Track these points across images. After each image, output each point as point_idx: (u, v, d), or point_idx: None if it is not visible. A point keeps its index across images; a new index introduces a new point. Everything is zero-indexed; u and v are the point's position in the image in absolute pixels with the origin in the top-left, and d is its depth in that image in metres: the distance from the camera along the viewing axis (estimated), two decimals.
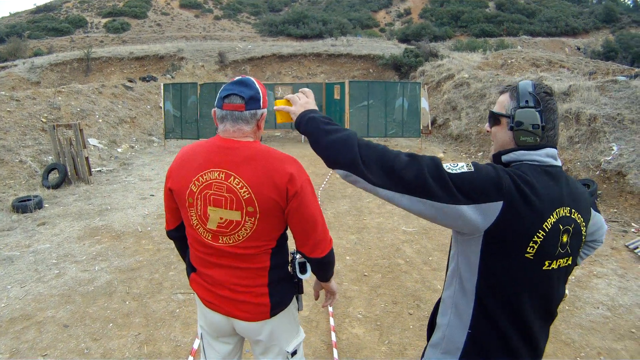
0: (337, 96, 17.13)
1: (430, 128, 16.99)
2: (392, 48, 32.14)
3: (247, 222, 2.21)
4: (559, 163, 1.88)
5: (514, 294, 1.79)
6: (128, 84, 20.74)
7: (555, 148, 1.89)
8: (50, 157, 11.97)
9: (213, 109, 2.35)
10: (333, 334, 4.55)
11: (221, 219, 2.23)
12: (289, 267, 2.44)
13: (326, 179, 11.42)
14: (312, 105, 2.15)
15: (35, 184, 10.74)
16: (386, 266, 6.29)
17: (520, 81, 1.96)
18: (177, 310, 5.05)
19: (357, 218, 8.40)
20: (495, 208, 1.67)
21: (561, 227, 1.77)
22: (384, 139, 16.82)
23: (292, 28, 50.04)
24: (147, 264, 6.30)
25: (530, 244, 1.72)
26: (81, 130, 11.34)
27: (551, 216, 1.75)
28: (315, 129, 1.96)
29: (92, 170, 12.11)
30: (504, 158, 1.91)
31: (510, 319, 1.80)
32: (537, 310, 1.84)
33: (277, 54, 31.51)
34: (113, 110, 17.70)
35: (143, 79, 22.51)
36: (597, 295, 5.56)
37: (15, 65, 33.51)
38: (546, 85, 1.90)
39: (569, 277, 1.99)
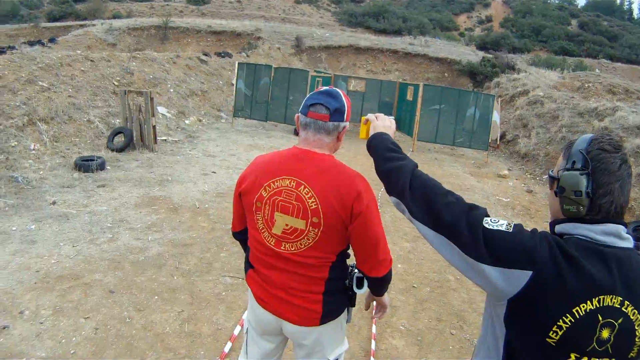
0: (409, 97, 16.90)
1: (498, 142, 16.56)
2: (470, 54, 31.53)
3: (311, 232, 2.22)
4: (624, 244, 1.57)
5: None
6: (203, 57, 20.95)
7: (621, 223, 1.58)
8: (118, 121, 12.16)
9: (296, 114, 2.39)
10: (373, 342, 4.42)
11: (287, 225, 2.25)
12: (347, 281, 2.43)
13: None
14: (390, 130, 2.24)
15: (100, 145, 10.92)
16: (436, 280, 6.08)
17: (581, 136, 1.68)
18: (224, 293, 5.00)
19: (413, 226, 8.17)
20: (522, 277, 1.52)
21: (600, 319, 1.50)
22: (451, 147, 16.57)
23: (371, 21, 49.81)
24: (200, 242, 6.28)
25: (554, 328, 1.51)
26: (152, 99, 11.45)
27: (587, 302, 1.49)
28: (378, 154, 2.05)
29: (159, 139, 12.25)
30: (557, 229, 1.69)
31: None
32: None
33: (354, 46, 31.36)
34: (185, 82, 17.91)
35: (218, 54, 22.70)
36: None
37: (94, 25, 34.46)
38: (610, 139, 1.61)
39: None
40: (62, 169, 9.05)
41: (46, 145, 10.15)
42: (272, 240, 2.31)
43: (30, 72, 12.05)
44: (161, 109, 15.08)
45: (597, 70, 35.03)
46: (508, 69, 25.07)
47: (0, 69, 11.58)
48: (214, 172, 10.04)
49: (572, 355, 1.52)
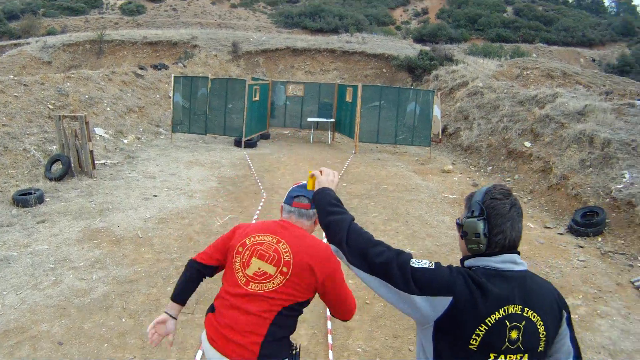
0: (348, 99, 17.06)
1: (440, 136, 16.91)
2: (407, 48, 31.97)
3: (278, 277, 2.65)
4: (519, 267, 2.04)
5: None
6: (139, 71, 20.67)
7: (514, 252, 2.05)
8: (55, 147, 11.92)
9: (281, 205, 2.99)
10: None
11: (259, 269, 2.69)
12: (291, 349, 2.76)
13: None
14: (333, 184, 2.51)
15: (38, 175, 10.70)
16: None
17: (477, 190, 2.18)
18: None
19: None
20: (444, 302, 1.93)
21: (508, 323, 1.94)
22: (393, 145, 16.85)
23: (307, 21, 49.99)
24: (145, 276, 6.27)
25: (473, 337, 1.92)
26: (87, 123, 11.28)
27: (496, 312, 1.93)
28: (320, 207, 2.35)
29: (97, 162, 12.07)
30: (466, 263, 2.12)
31: None
32: None
33: (291, 47, 31.35)
34: (121, 99, 17.65)
35: (154, 67, 22.40)
36: (600, 338, 5.50)
37: (28, 44, 33.58)
38: (501, 188, 2.10)
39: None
40: (0, 205, 8.85)
41: None
42: (243, 280, 2.69)
43: None
44: (98, 130, 14.85)
45: (534, 55, 36.05)
46: (446, 61, 25.51)
47: None
48: (155, 196, 9.98)
49: (492, 355, 1.94)
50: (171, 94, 16.81)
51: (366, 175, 12.98)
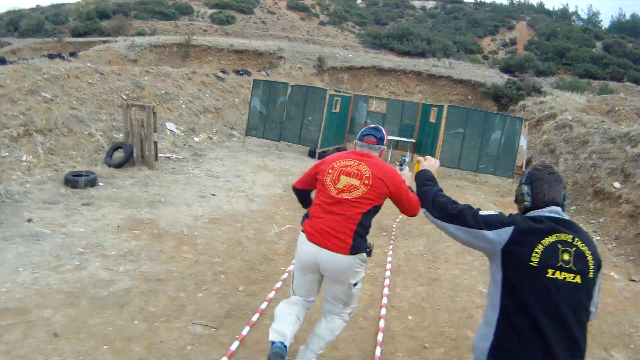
0: (432, 119, 15.95)
1: (524, 169, 15.63)
2: (494, 77, 30.67)
3: (361, 188, 3.48)
4: (563, 216, 2.57)
5: (526, 298, 2.40)
6: (220, 74, 20.40)
7: (557, 205, 2.60)
8: (120, 135, 11.55)
9: (355, 140, 3.96)
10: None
11: (347, 183, 3.52)
12: (368, 246, 3.60)
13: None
14: (433, 168, 3.34)
15: (98, 160, 10.30)
16: (452, 338, 5.04)
17: None
18: (189, 347, 4.18)
19: (430, 265, 7.19)
20: (508, 231, 2.51)
21: (560, 247, 2.42)
22: (474, 173, 15.60)
23: (395, 43, 49.06)
24: (178, 277, 5.52)
25: (534, 254, 2.41)
26: (155, 114, 10.81)
27: (549, 237, 2.43)
28: (419, 183, 3.17)
29: (161, 155, 11.64)
30: (528, 214, 2.64)
31: (526, 322, 2.38)
32: (551, 317, 2.36)
33: (377, 67, 30.57)
34: (199, 98, 17.33)
35: (237, 72, 22.12)
36: None
37: (117, 42, 34.25)
38: (542, 162, 3.11)
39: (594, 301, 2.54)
40: (52, 183, 8.41)
41: (39, 158, 9.54)
42: (335, 192, 3.51)
43: (34, 82, 11.53)
44: (170, 125, 14.49)
45: (621, 94, 33.95)
46: (534, 92, 24.13)
47: (3, 79, 11.07)
48: (213, 195, 9.30)
49: (549, 270, 2.38)
50: (250, 99, 16.28)
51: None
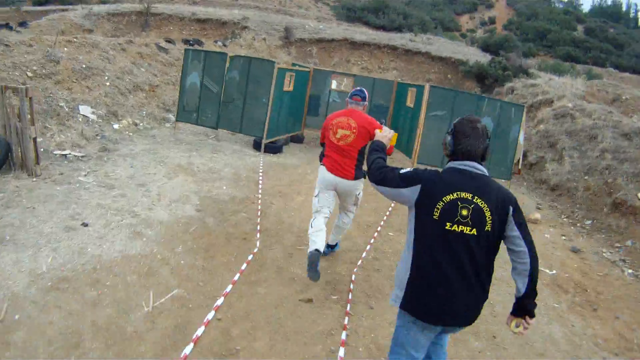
0: (410, 103, 12.59)
1: (520, 166, 12.42)
2: (477, 55, 27.49)
3: (351, 136, 5.46)
4: (478, 171, 3.11)
5: (430, 244, 3.06)
6: (163, 44, 16.92)
7: (473, 160, 3.14)
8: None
9: (347, 98, 5.83)
10: None
11: (342, 134, 5.48)
12: (363, 172, 5.58)
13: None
14: (385, 139, 3.98)
15: None
16: None
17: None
18: None
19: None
20: (417, 188, 3.11)
21: (459, 204, 2.99)
22: None
23: (370, 16, 45.42)
24: None
25: (435, 209, 3.02)
26: (30, 99, 7.54)
27: (450, 194, 3.01)
28: (369, 151, 3.78)
29: (57, 153, 8.54)
30: (446, 165, 3.26)
31: (429, 261, 3.06)
32: (448, 261, 3.01)
33: (349, 40, 26.99)
34: (131, 74, 13.94)
35: (186, 42, 18.64)
36: None
37: (75, 10, 30.72)
38: (466, 117, 3.23)
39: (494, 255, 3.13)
40: None
41: None
42: (335, 140, 5.53)
43: None
44: (83, 109, 11.13)
45: (604, 80, 31.16)
46: (521, 73, 21.02)
47: None
48: (85, 225, 6.05)
49: (447, 224, 3.00)
50: (188, 75, 12.67)
51: None
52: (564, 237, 8.96)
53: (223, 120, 12.20)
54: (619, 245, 8.77)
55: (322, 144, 5.90)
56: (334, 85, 14.44)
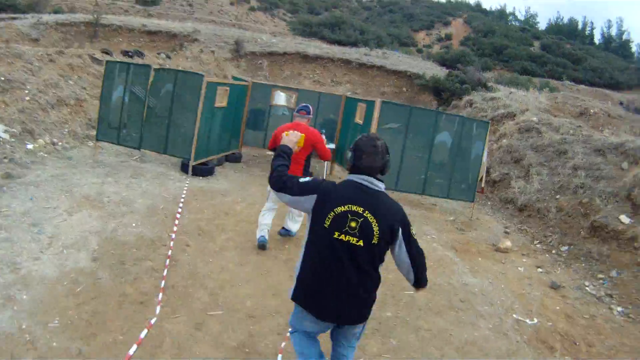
0: (359, 119, 11.12)
1: (483, 184, 11.23)
2: (433, 69, 26.56)
3: (301, 142, 5.91)
4: (374, 187, 3.29)
5: (319, 249, 3.30)
6: (98, 55, 15.31)
7: (369, 175, 3.30)
8: None
9: (294, 113, 7.19)
10: None
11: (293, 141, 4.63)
12: (310, 173, 7.52)
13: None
14: (291, 142, 3.88)
15: None
16: None
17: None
18: None
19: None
20: (313, 198, 3.32)
21: (350, 216, 3.19)
22: (420, 195, 10.90)
23: (326, 31, 44.33)
24: None
25: (327, 218, 3.23)
26: None
27: (342, 206, 3.21)
28: (275, 153, 3.80)
29: None
30: (346, 177, 3.45)
31: (317, 263, 3.31)
32: (333, 265, 3.25)
33: (302, 53, 25.82)
34: (56, 87, 12.29)
35: (125, 53, 17.02)
36: None
37: (26, 19, 28.91)
38: (366, 135, 3.45)
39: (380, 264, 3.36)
40: None
41: None
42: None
43: None
44: None
45: (561, 92, 30.77)
46: (479, 87, 20.04)
47: None
48: None
49: (336, 233, 3.21)
50: (114, 89, 10.89)
51: None
52: (540, 270, 7.75)
53: (147, 139, 10.47)
54: (602, 276, 7.60)
55: (272, 149, 6.44)
56: (282, 100, 12.93)
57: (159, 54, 19.73)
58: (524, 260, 8.09)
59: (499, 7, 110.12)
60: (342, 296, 3.26)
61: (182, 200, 8.40)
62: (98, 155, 10.51)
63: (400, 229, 3.24)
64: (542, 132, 12.52)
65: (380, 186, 3.31)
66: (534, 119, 13.49)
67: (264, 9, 61.27)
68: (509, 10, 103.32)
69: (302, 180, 3.41)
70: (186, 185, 9.38)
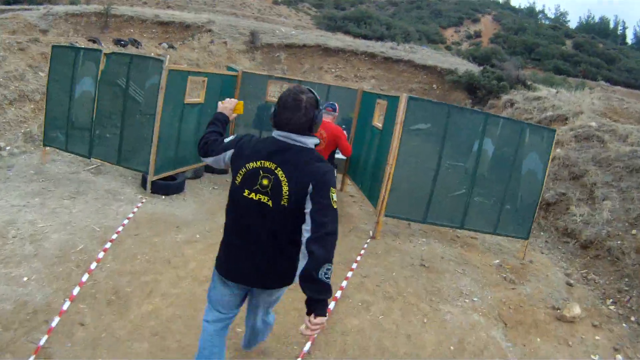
0: (377, 122, 8.22)
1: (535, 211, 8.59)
2: (466, 65, 23.95)
3: (323, 143, 6.66)
4: (293, 142, 2.84)
5: (233, 208, 2.99)
6: (82, 44, 13.13)
7: (290, 129, 2.83)
8: None
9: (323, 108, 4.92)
10: None
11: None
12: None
13: None
14: (226, 110, 3.43)
15: None
16: None
17: None
18: None
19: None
20: (229, 154, 3.01)
21: (262, 173, 2.81)
22: (459, 229, 7.85)
23: (352, 25, 41.80)
24: None
25: (238, 175, 2.89)
26: None
27: (254, 162, 2.84)
28: (211, 118, 3.42)
29: None
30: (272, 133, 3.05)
31: (230, 224, 3.04)
32: (244, 226, 2.92)
33: (322, 46, 23.42)
34: (22, 80, 10.19)
35: (118, 42, 14.79)
36: None
37: (38, 10, 27.34)
38: (292, 87, 2.90)
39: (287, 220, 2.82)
40: None
41: None
42: None
43: None
44: None
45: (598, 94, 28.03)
46: (518, 84, 17.47)
47: None
48: None
49: (247, 190, 2.85)
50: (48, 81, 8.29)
51: (381, 346, 4.65)
52: (614, 349, 5.28)
53: (97, 146, 7.91)
54: None
55: None
56: (269, 95, 9.86)
57: (160, 44, 17.48)
58: (597, 337, 5.56)
59: (527, 5, 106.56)
60: (251, 258, 2.95)
61: (113, 237, 5.88)
62: (46, 164, 8.17)
63: (311, 188, 2.73)
64: (604, 141, 9.97)
65: (305, 142, 2.87)
66: (593, 124, 10.93)
67: (287, 3, 58.74)
68: (538, 8, 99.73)
69: (226, 139, 3.15)
70: (135, 209, 6.86)
